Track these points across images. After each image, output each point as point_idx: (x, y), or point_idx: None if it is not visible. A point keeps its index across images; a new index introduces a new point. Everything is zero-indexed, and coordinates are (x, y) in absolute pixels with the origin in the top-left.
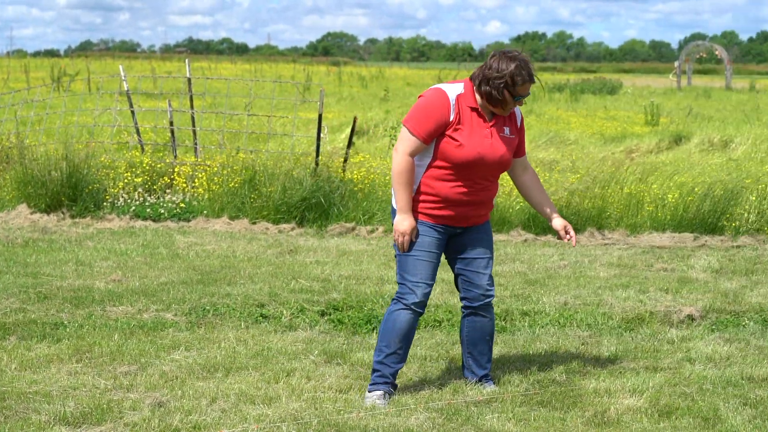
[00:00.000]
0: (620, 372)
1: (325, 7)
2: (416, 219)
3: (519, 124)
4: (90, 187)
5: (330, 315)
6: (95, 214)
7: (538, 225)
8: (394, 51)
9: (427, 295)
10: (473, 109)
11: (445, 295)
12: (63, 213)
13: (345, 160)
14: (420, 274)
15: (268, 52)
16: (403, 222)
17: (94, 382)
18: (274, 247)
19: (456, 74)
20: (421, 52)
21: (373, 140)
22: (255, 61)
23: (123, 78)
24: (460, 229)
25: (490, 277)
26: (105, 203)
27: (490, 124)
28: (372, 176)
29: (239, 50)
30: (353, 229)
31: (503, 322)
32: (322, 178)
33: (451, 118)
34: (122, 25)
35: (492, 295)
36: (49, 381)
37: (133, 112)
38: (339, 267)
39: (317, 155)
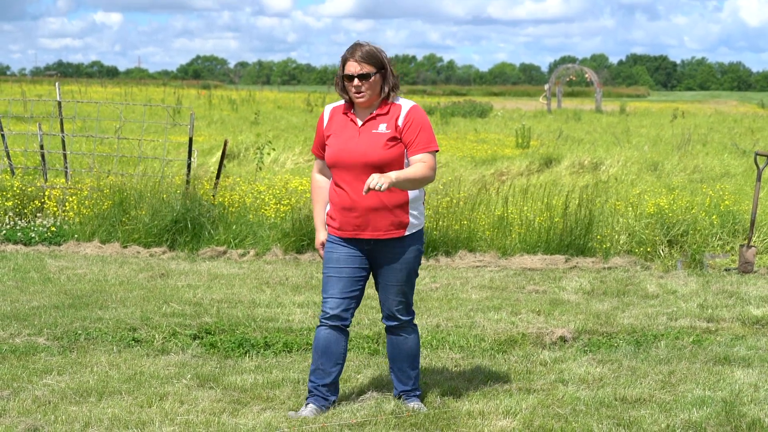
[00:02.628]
0: (493, 394)
1: (195, 29)
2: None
3: (402, 121)
4: None
5: (202, 338)
6: None
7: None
8: (264, 74)
9: (337, 309)
10: (346, 114)
11: (317, 318)
12: None
13: (216, 184)
14: (330, 290)
15: (139, 76)
16: (316, 237)
17: None
18: (146, 271)
19: (325, 97)
20: (291, 75)
21: (243, 163)
22: (125, 85)
23: None
24: (368, 244)
25: (401, 303)
26: None
27: (362, 124)
28: (242, 200)
29: (109, 73)
30: (225, 252)
31: (376, 345)
32: (192, 201)
33: (325, 127)
34: None
35: (401, 320)
36: None
37: (2, 136)
38: (211, 290)
39: (188, 178)
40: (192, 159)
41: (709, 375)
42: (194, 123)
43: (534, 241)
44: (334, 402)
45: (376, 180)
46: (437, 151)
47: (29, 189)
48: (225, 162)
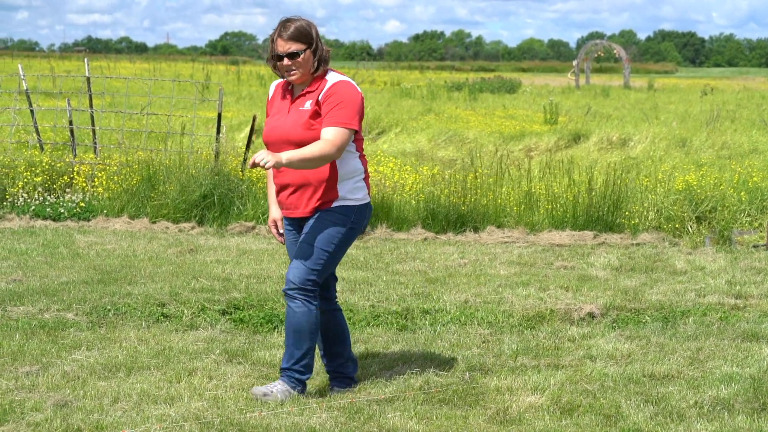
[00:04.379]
0: (521, 370)
1: (223, 5)
2: None
3: (322, 96)
4: None
5: (231, 314)
6: None
7: (438, 223)
8: None
9: None
10: (285, 91)
11: (345, 293)
12: None
13: (244, 159)
14: None
15: (167, 51)
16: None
17: None
18: (175, 246)
19: (354, 73)
20: None
21: None
22: (154, 60)
23: (22, 77)
24: (299, 223)
25: (296, 265)
26: (5, 203)
27: (293, 100)
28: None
29: (138, 49)
30: (253, 228)
31: (404, 320)
32: (221, 177)
33: (268, 103)
34: (20, 24)
35: (292, 288)
36: None
37: (32, 111)
38: (239, 266)
39: (216, 154)
40: (220, 134)
41: (737, 351)
42: (223, 98)
43: (562, 217)
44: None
45: (262, 156)
46: (353, 129)
47: (58, 164)
48: (253, 137)
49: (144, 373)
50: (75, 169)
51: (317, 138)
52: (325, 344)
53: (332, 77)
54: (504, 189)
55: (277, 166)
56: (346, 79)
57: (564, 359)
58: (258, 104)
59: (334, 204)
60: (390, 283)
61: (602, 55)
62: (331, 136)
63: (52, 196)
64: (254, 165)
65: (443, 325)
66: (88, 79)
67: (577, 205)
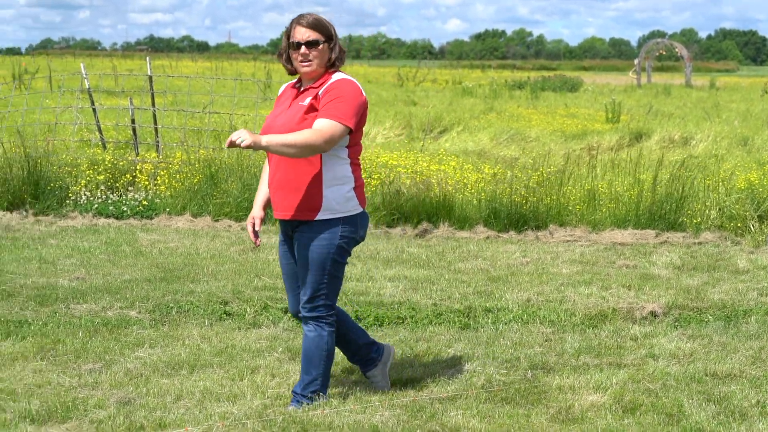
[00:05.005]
0: (584, 368)
1: (284, 4)
2: None
3: (323, 91)
4: (52, 185)
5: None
6: (58, 211)
7: (500, 222)
8: (354, 49)
9: (292, 303)
10: (294, 88)
11: (408, 292)
12: (26, 211)
13: None
14: (286, 287)
15: (229, 50)
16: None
17: (58, 379)
18: (237, 245)
19: (416, 72)
20: (381, 49)
21: None
22: (216, 59)
23: (84, 76)
24: (289, 228)
25: (305, 293)
26: (68, 201)
27: (295, 96)
28: None
29: (200, 48)
30: None
31: (466, 319)
32: None
33: (276, 103)
34: (83, 23)
35: (303, 314)
36: (14, 379)
37: (94, 110)
38: None
39: None
40: None
41: None
42: None
43: (624, 216)
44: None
45: (239, 134)
46: (347, 126)
47: (121, 163)
48: None
49: (207, 371)
50: (137, 167)
51: None
52: (343, 348)
53: (337, 75)
54: (566, 188)
55: (255, 147)
56: (351, 78)
57: (626, 358)
58: None
59: (318, 216)
60: (452, 282)
61: (663, 53)
62: (320, 126)
63: (114, 195)
64: (231, 144)
65: (505, 323)
66: (150, 77)
67: (640, 204)
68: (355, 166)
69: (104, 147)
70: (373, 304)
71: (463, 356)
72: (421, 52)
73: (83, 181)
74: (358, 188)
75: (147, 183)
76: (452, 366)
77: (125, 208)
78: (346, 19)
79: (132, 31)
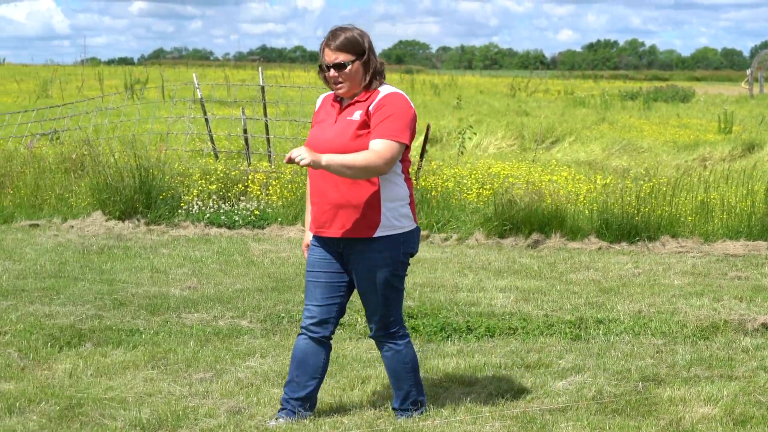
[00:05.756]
0: (695, 380)
1: (396, 15)
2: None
3: (373, 106)
4: (164, 195)
5: (405, 322)
6: (170, 221)
7: (612, 232)
8: (466, 59)
9: (316, 319)
10: (335, 102)
11: (519, 303)
12: (138, 220)
13: (418, 168)
14: (309, 296)
15: None
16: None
17: (169, 388)
18: None
19: (528, 82)
20: (493, 59)
21: (446, 148)
22: None
23: (196, 86)
24: (339, 245)
25: (374, 315)
26: (180, 210)
27: (340, 110)
28: (445, 184)
29: (312, 58)
30: (427, 236)
31: (578, 330)
32: None
33: (314, 116)
34: (195, 33)
35: (376, 336)
36: (125, 387)
37: (206, 120)
38: (413, 275)
39: None
40: None
41: None
42: None
43: (736, 227)
44: (304, 418)
45: (299, 153)
46: (403, 144)
47: (233, 173)
48: (427, 146)
49: None
50: (249, 177)
51: (363, 149)
52: (301, 374)
53: (385, 89)
54: (678, 198)
55: (314, 166)
56: (399, 92)
57: (737, 370)
58: (431, 113)
59: (378, 233)
60: (564, 293)
61: None
62: (379, 147)
63: (226, 204)
64: (290, 161)
65: (617, 335)
66: (263, 87)
67: (753, 215)
68: (408, 180)
69: (216, 157)
70: (484, 315)
71: (573, 367)
72: (533, 62)
73: (195, 191)
74: (412, 203)
75: (259, 193)
76: (563, 377)
77: (237, 218)
78: (458, 29)
79: (244, 41)
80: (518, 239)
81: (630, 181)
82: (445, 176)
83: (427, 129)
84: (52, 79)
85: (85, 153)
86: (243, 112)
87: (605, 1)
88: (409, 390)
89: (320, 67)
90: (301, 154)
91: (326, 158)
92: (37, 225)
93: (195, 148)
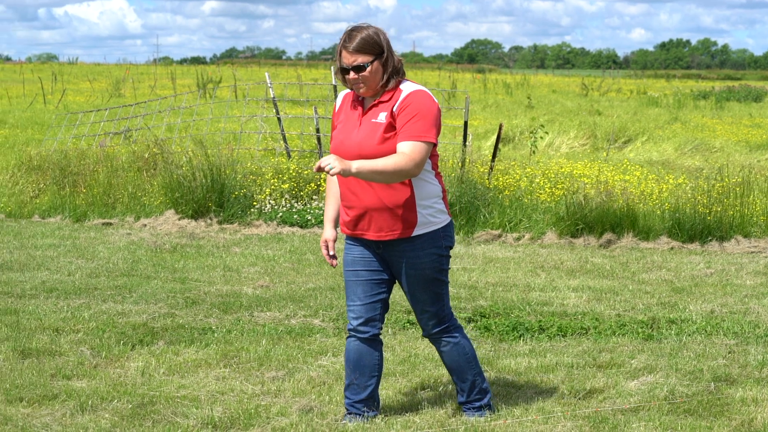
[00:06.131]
0: (767, 381)
1: (469, 14)
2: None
3: (397, 107)
4: (236, 194)
5: (477, 322)
6: (242, 220)
7: (684, 233)
8: (538, 58)
9: (362, 318)
10: (355, 102)
11: (591, 302)
12: (210, 219)
13: (491, 168)
14: (351, 296)
15: (414, 59)
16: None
17: (241, 387)
18: None
19: (601, 81)
20: (565, 59)
21: (518, 147)
22: None
23: (269, 85)
24: (377, 246)
25: (424, 313)
26: (252, 209)
27: (364, 112)
28: (517, 183)
29: None
30: (500, 236)
31: (650, 330)
32: (467, 185)
33: (335, 115)
34: (267, 32)
35: (432, 334)
36: (197, 386)
37: (279, 119)
38: (486, 274)
39: (463, 162)
40: (467, 143)
41: None
42: (469, 107)
43: None
44: (374, 418)
45: (329, 161)
46: (431, 143)
47: (305, 172)
48: (500, 146)
49: (389, 380)
50: (322, 176)
51: (392, 152)
52: (359, 376)
53: (407, 86)
54: (750, 198)
55: (345, 174)
56: (422, 89)
57: None
58: (504, 112)
59: (416, 232)
60: (636, 293)
61: None
62: (408, 150)
63: (299, 203)
64: (319, 169)
65: (689, 335)
66: (335, 86)
67: None
68: (438, 176)
69: (289, 156)
70: (556, 315)
71: (645, 367)
72: (605, 61)
73: (268, 190)
74: (445, 198)
75: None
76: (635, 377)
77: (309, 217)
78: (531, 28)
79: (316, 40)
80: (590, 239)
81: (702, 181)
82: (517, 176)
83: (500, 129)
84: (125, 79)
85: (158, 152)
86: (315, 111)
87: (678, 0)
88: (474, 379)
89: (339, 69)
90: (331, 163)
91: (356, 166)
92: (110, 223)
93: (267, 147)
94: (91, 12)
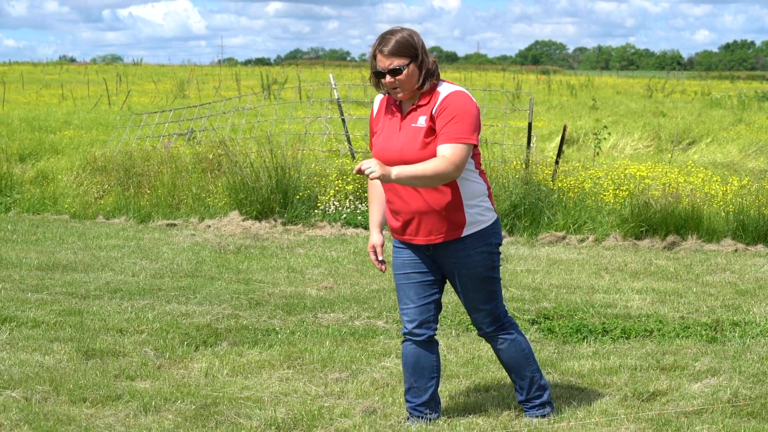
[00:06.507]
0: None
1: (533, 15)
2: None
3: (436, 110)
4: (300, 195)
5: (540, 324)
6: (306, 221)
7: (749, 234)
8: (603, 59)
9: (417, 321)
10: (392, 106)
11: (655, 305)
12: (274, 220)
13: (555, 169)
14: (403, 299)
15: (478, 61)
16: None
17: (305, 388)
18: None
19: (665, 83)
20: (630, 60)
21: (582, 149)
22: (464, 70)
23: (333, 86)
24: (427, 249)
25: (479, 312)
26: (316, 210)
27: (403, 117)
28: (581, 185)
29: (449, 58)
30: (564, 237)
31: (713, 332)
32: (531, 186)
33: (373, 120)
34: (332, 33)
35: (485, 330)
36: (261, 387)
37: (343, 120)
38: (549, 276)
39: (527, 163)
40: (531, 144)
41: None
42: (533, 108)
43: None
44: (436, 419)
45: (369, 165)
46: (471, 144)
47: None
48: (563, 147)
49: (453, 382)
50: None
51: (433, 156)
52: (419, 378)
53: (444, 88)
54: None
55: (384, 180)
56: (460, 89)
57: None
58: (568, 114)
59: (465, 232)
60: (700, 295)
61: None
62: (448, 152)
63: (363, 205)
64: (359, 172)
65: (753, 337)
66: None
67: None
68: (482, 174)
69: (353, 157)
70: (620, 317)
71: (709, 370)
72: (669, 62)
73: (332, 191)
74: (490, 195)
75: None
76: (698, 380)
77: None
78: (595, 29)
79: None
80: (654, 241)
81: (767, 183)
82: (581, 177)
83: (564, 130)
84: (189, 80)
85: (222, 153)
86: None
87: (742, 1)
88: (532, 376)
89: (374, 73)
90: (371, 167)
91: (396, 171)
92: (174, 224)
93: (332, 148)
94: (155, 13)
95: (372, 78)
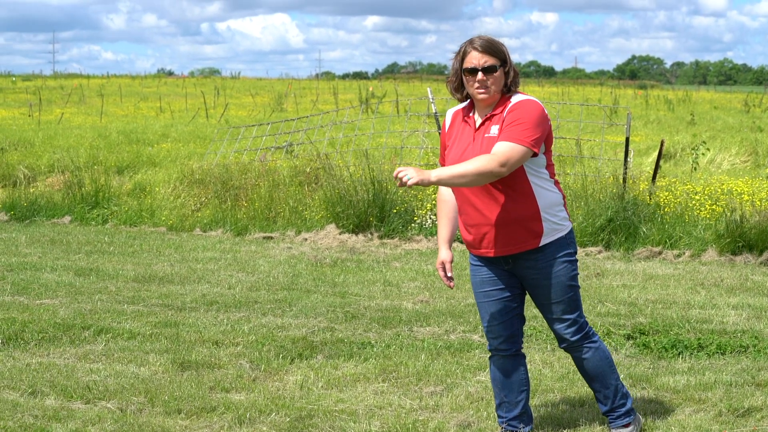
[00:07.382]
0: None
1: (631, 29)
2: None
3: (506, 116)
4: (397, 208)
5: (636, 339)
6: (403, 235)
7: None
8: (700, 74)
9: (501, 338)
10: (465, 118)
11: (751, 320)
12: (371, 233)
13: (652, 184)
14: (484, 317)
15: (575, 75)
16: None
17: (399, 401)
18: (581, 270)
19: (762, 97)
20: (727, 75)
21: (680, 164)
22: (562, 84)
23: (431, 100)
24: (506, 262)
25: (561, 322)
26: (413, 224)
27: (477, 128)
28: (678, 200)
29: (546, 73)
30: (660, 252)
31: None
32: (628, 201)
33: (446, 134)
34: (429, 48)
35: (570, 341)
36: (355, 400)
37: (440, 134)
38: (645, 291)
39: (624, 178)
40: (628, 159)
41: None
42: (630, 123)
43: None
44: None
45: (406, 172)
46: (528, 148)
47: None
48: (661, 162)
49: (548, 396)
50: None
51: None
52: (508, 393)
53: (516, 97)
54: None
55: (423, 184)
56: (530, 98)
57: None
58: (665, 129)
59: (543, 241)
60: None
61: None
62: (497, 150)
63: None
64: (397, 179)
65: None
66: None
67: None
68: (557, 183)
69: None
70: (715, 332)
71: None
72: (767, 78)
73: (429, 205)
74: (565, 205)
75: None
76: None
77: None
78: (693, 44)
79: None
80: (751, 256)
81: None
82: (678, 192)
83: (661, 145)
84: (287, 93)
85: (319, 166)
86: None
87: None
88: (616, 384)
89: (455, 74)
90: (408, 173)
91: (435, 174)
92: (271, 237)
93: (429, 162)
94: (253, 27)
95: (454, 79)
